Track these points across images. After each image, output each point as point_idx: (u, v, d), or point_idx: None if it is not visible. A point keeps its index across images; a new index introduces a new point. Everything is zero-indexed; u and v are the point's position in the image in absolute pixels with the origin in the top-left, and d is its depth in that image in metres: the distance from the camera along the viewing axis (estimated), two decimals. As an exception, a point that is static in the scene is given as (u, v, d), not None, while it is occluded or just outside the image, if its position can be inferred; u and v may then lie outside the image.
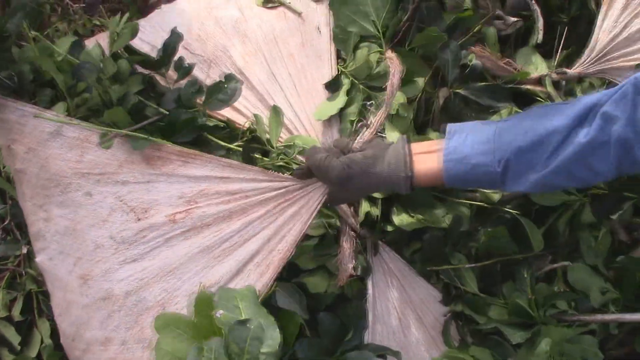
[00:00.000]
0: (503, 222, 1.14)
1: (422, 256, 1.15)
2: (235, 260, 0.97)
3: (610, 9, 1.16)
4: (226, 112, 1.17)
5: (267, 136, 1.13)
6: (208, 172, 1.00)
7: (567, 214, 1.14)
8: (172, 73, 1.12)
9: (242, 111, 1.19)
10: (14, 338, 1.28)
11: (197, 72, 1.20)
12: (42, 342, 1.29)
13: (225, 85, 1.08)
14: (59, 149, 1.03)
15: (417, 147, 0.92)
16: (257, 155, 1.13)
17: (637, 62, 1.14)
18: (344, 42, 1.22)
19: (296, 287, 1.05)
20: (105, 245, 1.01)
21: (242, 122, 1.18)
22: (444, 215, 1.13)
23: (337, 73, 1.21)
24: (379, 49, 1.19)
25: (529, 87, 1.19)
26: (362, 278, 1.13)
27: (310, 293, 1.08)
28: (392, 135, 1.16)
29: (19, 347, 1.27)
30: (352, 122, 1.17)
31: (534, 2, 1.23)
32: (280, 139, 1.15)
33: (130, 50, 1.12)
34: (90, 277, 1.01)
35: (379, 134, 1.12)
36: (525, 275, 1.10)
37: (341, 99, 1.18)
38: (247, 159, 1.08)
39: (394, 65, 1.09)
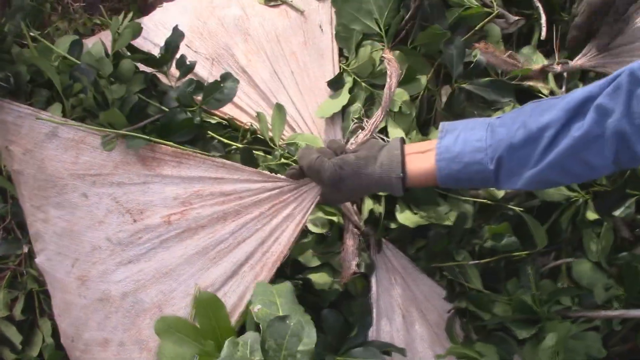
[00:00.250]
0: (506, 219, 1.14)
1: (426, 253, 1.15)
2: (230, 262, 0.97)
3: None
4: (229, 110, 1.17)
5: (270, 134, 1.13)
6: (202, 172, 0.99)
7: (569, 210, 1.14)
8: (174, 71, 1.12)
9: (244, 109, 1.19)
10: (16, 337, 1.28)
11: (200, 70, 1.20)
12: (43, 341, 1.28)
13: (222, 85, 1.08)
14: (54, 150, 1.03)
15: (410, 147, 0.91)
16: (260, 153, 1.13)
17: None
18: (346, 40, 1.23)
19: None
20: (102, 246, 1.01)
21: (244, 119, 1.19)
22: (448, 212, 1.13)
23: (339, 71, 1.21)
24: (382, 47, 1.19)
25: (531, 83, 1.20)
26: (366, 275, 1.13)
27: (315, 290, 1.08)
28: (395, 133, 1.16)
29: (20, 347, 1.27)
30: (354, 119, 1.17)
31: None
32: (282, 136, 1.15)
33: (133, 49, 1.11)
34: (87, 278, 1.01)
35: (377, 135, 1.12)
36: (530, 272, 1.11)
37: (344, 97, 1.18)
38: (247, 158, 1.08)
39: (391, 67, 1.09)
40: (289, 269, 1.10)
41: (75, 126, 1.01)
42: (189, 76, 1.11)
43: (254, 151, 1.12)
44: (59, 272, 1.06)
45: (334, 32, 1.24)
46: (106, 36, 1.20)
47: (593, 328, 1.10)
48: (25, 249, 1.31)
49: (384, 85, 1.10)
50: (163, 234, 0.99)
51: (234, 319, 0.95)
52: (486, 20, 1.19)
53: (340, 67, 1.23)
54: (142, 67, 1.11)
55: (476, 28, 1.19)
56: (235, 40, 1.23)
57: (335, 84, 1.20)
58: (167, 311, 0.97)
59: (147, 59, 1.11)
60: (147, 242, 0.99)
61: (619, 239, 1.16)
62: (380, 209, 1.13)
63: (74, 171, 1.02)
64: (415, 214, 1.13)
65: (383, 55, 1.15)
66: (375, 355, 1.03)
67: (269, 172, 1.00)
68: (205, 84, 1.09)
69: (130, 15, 1.08)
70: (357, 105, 1.19)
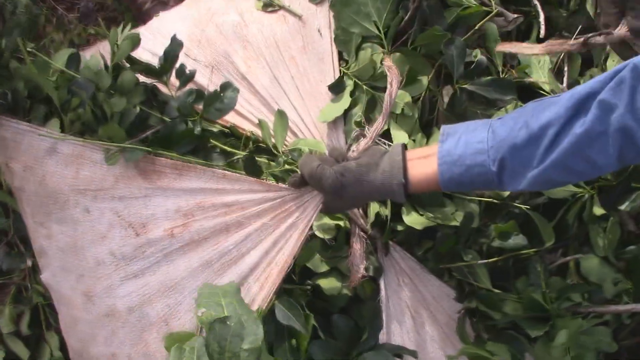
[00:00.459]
0: (512, 217, 1.14)
1: (434, 254, 1.15)
2: (235, 273, 0.97)
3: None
4: (231, 118, 1.17)
5: (273, 141, 1.13)
6: (203, 184, 0.99)
7: (575, 206, 1.14)
8: (174, 80, 1.11)
9: (246, 116, 1.19)
10: (23, 353, 1.28)
11: (199, 78, 1.19)
12: (51, 354, 1.28)
13: (222, 94, 1.07)
14: (55, 166, 1.02)
15: (412, 153, 0.90)
16: (264, 160, 1.13)
17: None
18: (346, 44, 1.22)
19: (293, 303, 1.02)
20: (106, 261, 1.00)
21: (246, 127, 1.18)
22: (454, 212, 1.13)
23: (340, 75, 1.21)
24: (383, 50, 1.19)
25: (532, 80, 1.20)
26: (374, 279, 1.13)
27: (324, 296, 1.08)
28: (398, 135, 1.16)
29: (28, 362, 1.26)
30: (357, 123, 1.17)
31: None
32: (285, 142, 1.15)
33: (131, 60, 1.11)
34: (93, 293, 1.01)
35: (380, 139, 1.12)
36: (539, 269, 1.11)
37: (345, 101, 1.18)
38: (250, 167, 1.07)
39: (392, 73, 1.09)
40: (297, 276, 1.09)
41: (75, 141, 1.01)
42: (189, 85, 1.10)
43: (257, 159, 1.11)
44: (64, 287, 1.05)
45: (333, 36, 1.23)
46: (103, 46, 1.20)
47: (603, 323, 1.11)
48: (29, 263, 1.30)
49: (385, 88, 1.09)
50: (166, 247, 0.99)
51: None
52: (485, 19, 1.19)
53: (340, 70, 1.22)
54: (142, 78, 1.11)
55: (475, 27, 1.19)
56: (234, 47, 1.22)
57: (336, 88, 1.20)
58: (173, 324, 0.97)
59: (147, 69, 1.11)
60: (151, 256, 0.99)
61: (625, 232, 1.16)
62: (386, 211, 1.12)
63: (75, 186, 1.02)
64: (422, 215, 1.13)
65: (383, 62, 1.15)
66: (387, 358, 1.03)
67: (270, 182, 0.99)
68: (206, 93, 1.08)
69: (128, 26, 1.07)
70: (359, 109, 1.19)
